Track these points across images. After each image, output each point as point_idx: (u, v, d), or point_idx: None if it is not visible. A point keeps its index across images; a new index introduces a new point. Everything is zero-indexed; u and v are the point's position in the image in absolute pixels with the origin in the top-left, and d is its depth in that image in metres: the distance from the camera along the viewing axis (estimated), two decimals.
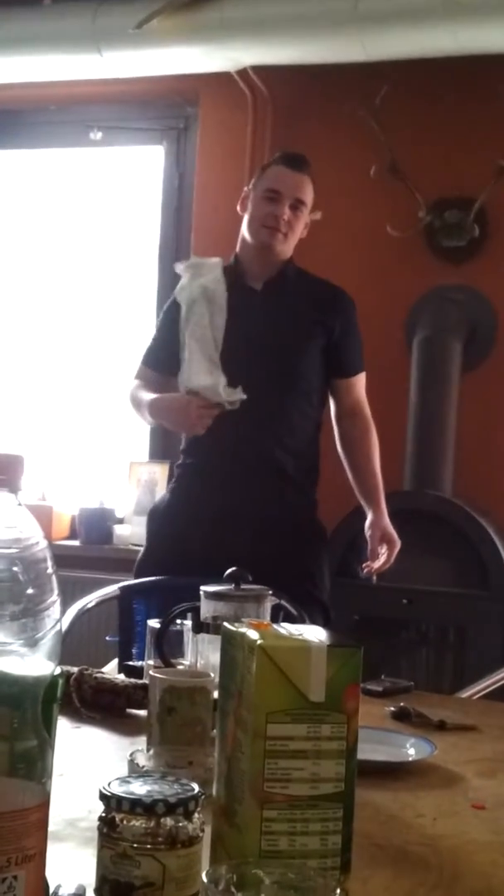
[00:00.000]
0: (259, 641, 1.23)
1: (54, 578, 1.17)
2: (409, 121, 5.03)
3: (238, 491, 3.66)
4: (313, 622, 3.59)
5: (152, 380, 3.83)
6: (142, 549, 3.86)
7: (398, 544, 3.76)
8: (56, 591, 1.18)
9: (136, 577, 3.53)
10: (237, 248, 3.86)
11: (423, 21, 4.54)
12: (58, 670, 1.17)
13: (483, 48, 4.64)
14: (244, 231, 3.80)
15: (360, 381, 3.85)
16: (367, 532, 3.77)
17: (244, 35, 4.85)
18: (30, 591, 1.15)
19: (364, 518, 3.80)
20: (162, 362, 3.83)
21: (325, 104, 5.17)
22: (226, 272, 3.83)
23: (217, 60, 5.03)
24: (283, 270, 3.79)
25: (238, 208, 3.86)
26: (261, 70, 5.11)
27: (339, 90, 5.08)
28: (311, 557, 3.73)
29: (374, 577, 3.81)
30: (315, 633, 1.29)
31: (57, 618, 1.18)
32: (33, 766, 1.13)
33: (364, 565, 3.78)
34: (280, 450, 3.70)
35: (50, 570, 1.16)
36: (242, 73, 5.13)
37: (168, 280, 5.50)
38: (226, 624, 1.36)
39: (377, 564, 3.74)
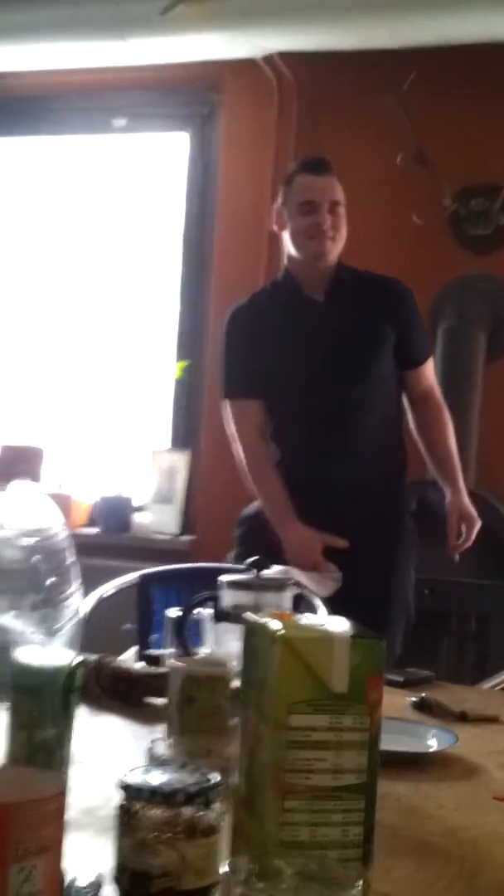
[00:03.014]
0: (281, 632, 1.22)
1: (75, 568, 1.17)
2: (436, 109, 5.00)
3: (327, 505, 3.66)
4: (394, 623, 3.62)
5: (256, 414, 3.78)
6: (233, 553, 3.80)
7: (477, 522, 3.75)
8: (77, 581, 1.17)
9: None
10: (285, 265, 3.83)
11: (452, 7, 4.52)
12: (77, 659, 1.17)
13: None
14: (289, 248, 3.76)
15: (429, 367, 3.88)
16: (448, 511, 3.76)
17: (269, 21, 4.83)
18: (50, 580, 1.14)
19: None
20: (254, 388, 3.79)
21: (351, 91, 5.14)
22: (279, 288, 3.83)
23: (242, 47, 5.01)
24: (338, 276, 3.75)
25: (274, 227, 3.83)
26: (286, 56, 5.09)
27: (366, 77, 5.05)
28: (399, 561, 3.76)
29: (457, 556, 3.79)
30: (337, 624, 1.29)
31: (77, 607, 1.17)
32: (52, 755, 1.13)
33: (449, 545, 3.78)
34: (368, 460, 3.72)
35: (70, 561, 1.16)
36: (268, 59, 5.10)
37: (192, 267, 5.50)
38: (248, 614, 1.35)
39: (458, 543, 3.74)
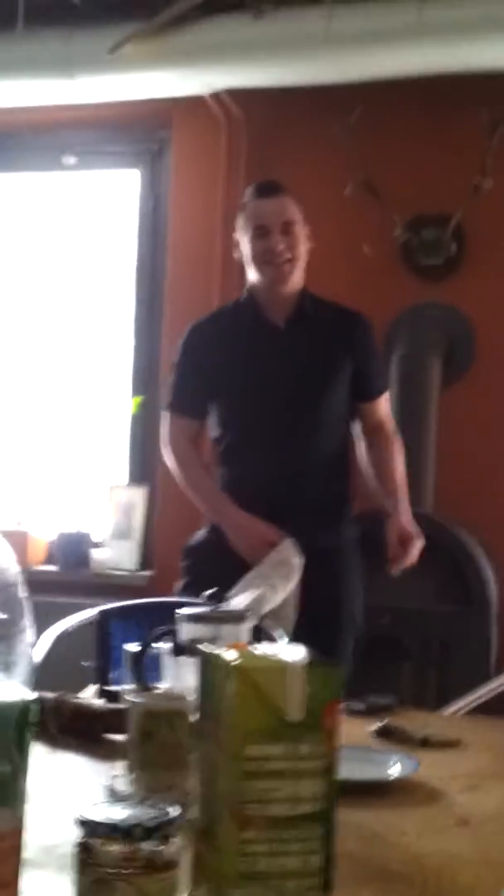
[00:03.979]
0: (236, 662, 1.22)
1: (26, 603, 1.16)
2: (384, 140, 5.04)
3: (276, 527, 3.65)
4: (344, 646, 3.62)
5: (190, 430, 3.84)
6: (181, 584, 3.81)
7: (419, 539, 3.72)
8: (28, 616, 1.17)
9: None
10: (248, 288, 3.85)
11: (395, 42, 4.56)
12: (32, 695, 1.16)
13: (454, 67, 4.65)
14: (249, 274, 3.79)
15: (384, 401, 3.89)
16: (387, 528, 3.75)
17: (217, 59, 4.85)
18: (1, 616, 1.14)
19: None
20: (194, 408, 3.84)
21: (300, 125, 5.18)
22: (241, 309, 3.84)
23: (190, 84, 5.03)
24: (301, 303, 3.77)
25: (235, 255, 3.86)
26: (234, 93, 5.11)
27: (313, 111, 5.09)
28: (345, 584, 3.75)
29: (396, 572, 3.76)
30: (293, 653, 1.29)
31: (30, 642, 1.17)
32: (5, 791, 1.12)
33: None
34: (315, 483, 3.72)
35: (22, 595, 1.15)
36: (215, 96, 5.13)
37: (145, 303, 5.51)
38: (203, 645, 1.35)
39: (398, 563, 3.73)
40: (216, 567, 3.61)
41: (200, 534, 3.84)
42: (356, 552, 3.83)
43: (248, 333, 3.80)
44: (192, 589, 3.65)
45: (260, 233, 3.69)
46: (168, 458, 3.86)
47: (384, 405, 3.90)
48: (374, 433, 3.86)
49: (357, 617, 3.76)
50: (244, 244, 3.76)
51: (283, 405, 3.71)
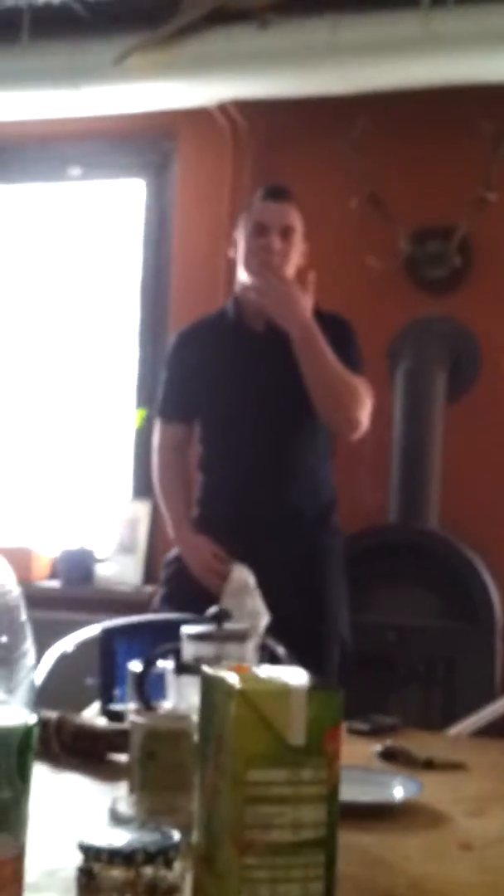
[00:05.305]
0: (238, 685, 1.21)
1: (27, 626, 1.15)
2: (389, 152, 5.04)
3: (254, 538, 3.64)
4: (329, 661, 3.59)
5: (178, 436, 3.86)
6: (159, 594, 3.82)
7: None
8: (29, 639, 1.16)
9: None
10: (235, 292, 3.86)
11: (401, 53, 4.56)
12: (33, 719, 1.15)
13: (460, 79, 4.65)
14: (239, 273, 3.78)
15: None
16: None
17: (222, 70, 4.85)
18: (2, 639, 1.13)
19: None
20: (181, 413, 3.86)
21: (305, 136, 5.18)
22: (224, 314, 3.84)
23: (196, 95, 5.03)
24: None
25: (230, 253, 3.86)
26: (240, 104, 5.12)
27: (319, 122, 5.09)
28: (328, 596, 3.71)
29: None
30: (295, 676, 1.28)
31: (31, 666, 1.16)
32: (7, 818, 1.11)
33: None
34: (295, 492, 3.70)
35: (23, 619, 1.15)
36: (221, 107, 5.14)
37: (150, 314, 5.51)
38: (204, 668, 1.34)
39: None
40: (192, 580, 3.64)
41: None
42: (339, 562, 3.79)
43: (229, 339, 3.80)
44: (170, 601, 3.66)
45: (259, 230, 3.69)
46: (154, 464, 3.90)
47: None
48: None
49: (342, 627, 3.71)
50: (241, 242, 3.75)
51: (262, 411, 3.69)
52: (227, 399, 3.74)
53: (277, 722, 1.19)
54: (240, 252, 3.76)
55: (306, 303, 3.60)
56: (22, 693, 1.15)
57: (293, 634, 3.30)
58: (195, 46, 4.78)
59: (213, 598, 3.34)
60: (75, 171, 5.60)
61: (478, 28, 4.45)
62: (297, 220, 3.72)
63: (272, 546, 3.63)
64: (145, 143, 5.54)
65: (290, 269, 3.71)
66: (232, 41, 4.76)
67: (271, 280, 3.62)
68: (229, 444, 3.76)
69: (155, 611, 3.75)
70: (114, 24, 4.94)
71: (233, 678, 1.24)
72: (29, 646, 1.16)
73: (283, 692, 1.21)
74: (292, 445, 3.69)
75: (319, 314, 3.75)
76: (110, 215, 5.75)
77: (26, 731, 1.14)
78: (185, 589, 3.64)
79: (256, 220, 3.71)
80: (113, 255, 5.72)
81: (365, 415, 3.70)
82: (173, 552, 3.87)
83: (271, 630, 3.38)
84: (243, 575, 3.50)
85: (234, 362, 3.76)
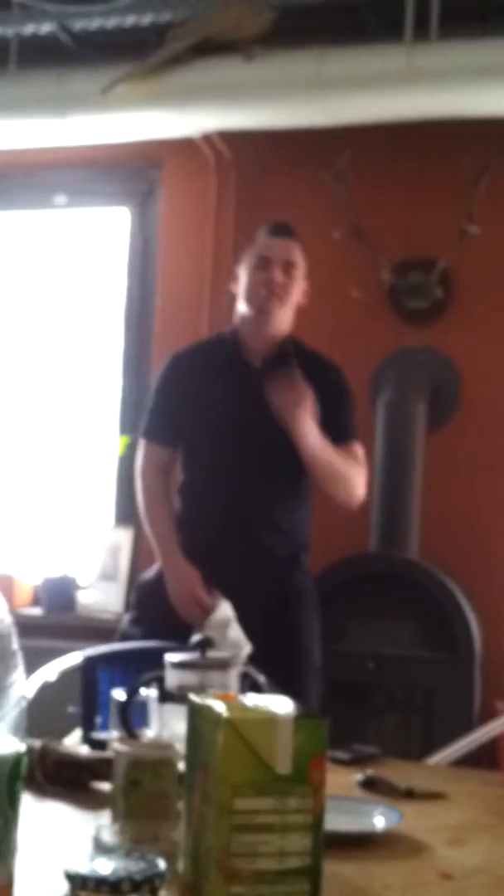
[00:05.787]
0: (225, 714, 1.22)
1: (18, 654, 1.17)
2: (372, 184, 5.07)
3: (227, 572, 3.64)
4: (307, 692, 3.59)
5: (161, 458, 3.84)
6: (129, 616, 3.82)
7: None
8: (20, 668, 1.17)
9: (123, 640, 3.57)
10: (235, 322, 3.86)
11: (384, 86, 4.59)
12: (23, 746, 1.17)
13: (442, 113, 4.69)
14: (240, 305, 3.80)
15: (350, 450, 3.77)
16: None
17: (208, 101, 4.88)
18: None
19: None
20: (166, 436, 3.85)
21: (289, 168, 5.22)
22: (223, 344, 3.85)
23: (181, 126, 5.06)
24: (282, 347, 3.76)
25: (231, 287, 3.88)
26: (224, 135, 5.15)
27: (303, 154, 5.12)
28: (303, 631, 3.71)
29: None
30: (280, 704, 1.29)
31: (21, 694, 1.17)
32: None
33: None
34: (269, 531, 3.70)
35: (14, 647, 1.16)
36: (206, 137, 5.17)
37: (134, 341, 5.52)
38: (192, 696, 1.35)
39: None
40: (163, 604, 3.62)
41: (153, 569, 3.83)
42: (312, 598, 3.80)
43: (224, 368, 3.80)
44: (139, 624, 3.66)
45: (262, 264, 3.72)
46: (137, 487, 3.86)
47: (351, 454, 3.78)
48: None
49: (317, 661, 3.72)
50: (243, 275, 3.78)
51: (245, 446, 3.70)
52: (213, 429, 3.73)
53: (264, 751, 1.21)
54: (241, 285, 3.79)
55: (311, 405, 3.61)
56: (12, 720, 1.16)
57: (271, 666, 3.32)
58: (181, 77, 4.80)
59: (184, 625, 3.35)
60: (61, 199, 5.62)
61: (460, 63, 4.49)
62: (299, 257, 3.76)
63: (245, 581, 3.62)
64: (130, 172, 5.56)
65: (290, 309, 3.75)
66: (217, 73, 4.79)
67: (287, 381, 3.64)
68: (209, 474, 3.77)
69: (124, 632, 3.74)
70: (100, 55, 4.99)
71: (220, 707, 1.25)
72: (20, 674, 1.17)
73: (269, 721, 1.23)
74: (272, 483, 3.71)
75: (309, 358, 3.78)
76: (95, 243, 5.77)
77: (16, 759, 1.15)
78: (157, 614, 3.64)
79: (260, 254, 3.75)
80: (97, 282, 5.73)
81: (362, 487, 3.77)
82: (148, 573, 3.87)
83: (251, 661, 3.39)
84: (227, 609, 3.51)
85: (226, 393, 3.75)
